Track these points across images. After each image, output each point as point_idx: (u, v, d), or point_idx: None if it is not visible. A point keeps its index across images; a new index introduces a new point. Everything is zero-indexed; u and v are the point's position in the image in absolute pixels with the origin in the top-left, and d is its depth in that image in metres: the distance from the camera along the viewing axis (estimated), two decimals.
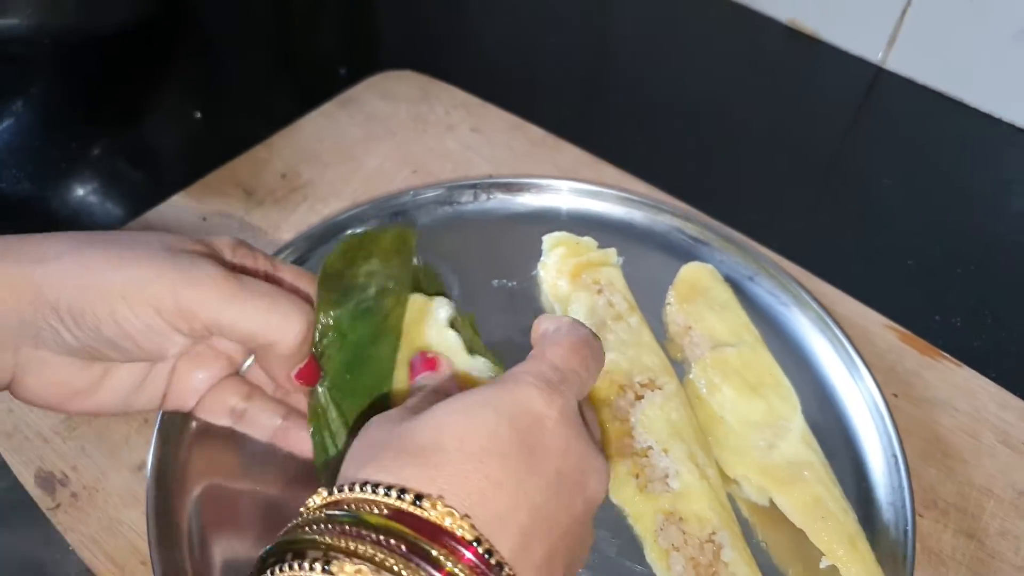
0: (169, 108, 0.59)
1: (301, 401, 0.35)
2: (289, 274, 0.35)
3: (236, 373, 0.35)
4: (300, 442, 0.34)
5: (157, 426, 0.36)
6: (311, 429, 0.34)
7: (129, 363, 0.31)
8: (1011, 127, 0.59)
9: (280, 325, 0.30)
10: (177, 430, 0.36)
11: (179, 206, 0.48)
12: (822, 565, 0.34)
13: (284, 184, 0.50)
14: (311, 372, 0.33)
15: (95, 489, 0.36)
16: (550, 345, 0.28)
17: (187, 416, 0.36)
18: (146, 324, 0.29)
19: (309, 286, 0.35)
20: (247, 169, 0.51)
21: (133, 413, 0.37)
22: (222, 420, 0.34)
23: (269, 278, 0.34)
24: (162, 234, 0.31)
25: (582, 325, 0.30)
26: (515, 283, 0.44)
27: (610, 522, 0.35)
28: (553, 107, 0.58)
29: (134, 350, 0.30)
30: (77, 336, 0.29)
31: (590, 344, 0.29)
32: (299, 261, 0.44)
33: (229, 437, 0.36)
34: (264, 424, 0.34)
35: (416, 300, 0.39)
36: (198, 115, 0.57)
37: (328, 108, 0.55)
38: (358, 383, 0.35)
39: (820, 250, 0.48)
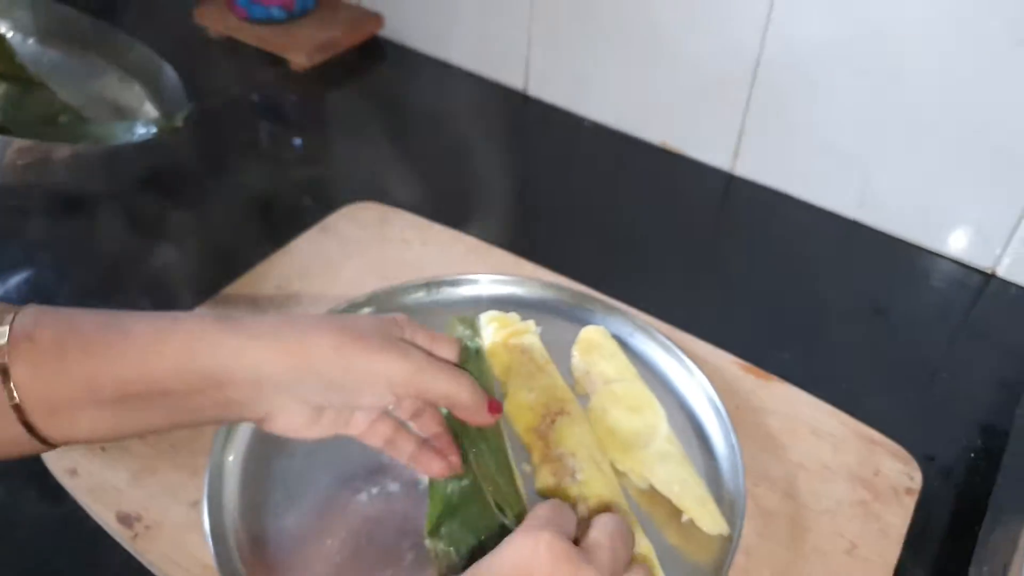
0: (173, 246, 0.75)
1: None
2: (439, 344, 0.48)
3: (387, 412, 0.48)
4: (430, 463, 0.48)
5: (208, 471, 0.50)
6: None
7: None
8: (827, 212, 0.78)
9: (459, 388, 0.44)
10: (218, 474, 0.51)
11: None
12: (683, 520, 0.49)
13: (279, 293, 0.66)
14: (496, 406, 0.46)
15: (162, 522, 0.50)
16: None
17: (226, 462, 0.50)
18: (382, 396, 0.43)
19: (452, 348, 0.48)
20: (250, 285, 0.66)
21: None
22: (377, 444, 0.47)
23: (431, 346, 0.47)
24: (375, 319, 0.45)
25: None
26: None
27: None
28: (484, 221, 0.75)
29: (358, 406, 0.45)
30: (328, 397, 0.43)
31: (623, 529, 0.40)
32: None
33: (259, 477, 0.50)
34: (405, 449, 0.48)
35: None
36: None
37: (311, 234, 0.71)
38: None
39: (687, 311, 0.65)
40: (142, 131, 0.74)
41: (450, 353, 0.48)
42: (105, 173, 0.71)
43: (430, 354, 0.45)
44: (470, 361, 0.50)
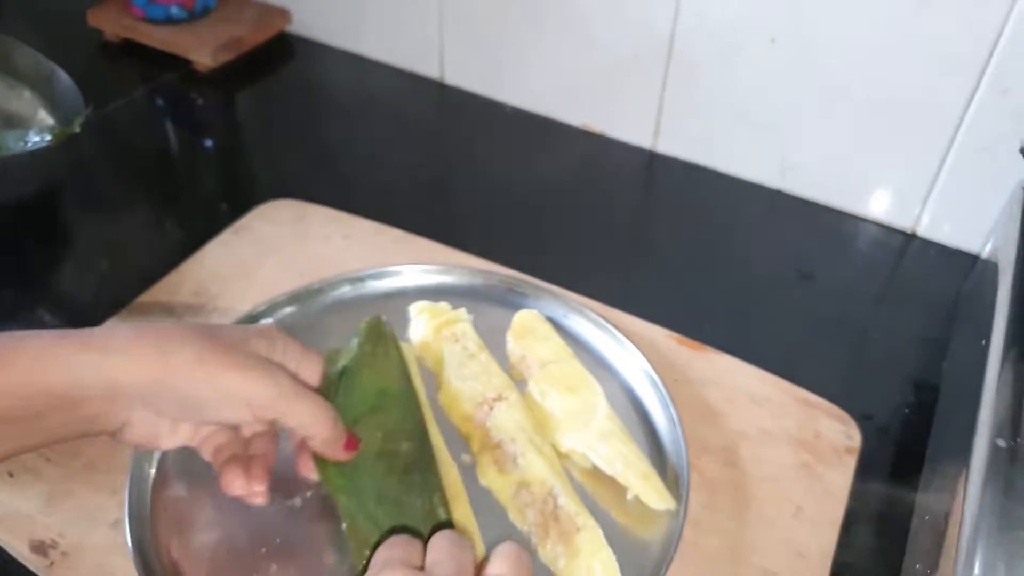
0: (80, 258, 0.71)
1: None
2: (306, 364, 0.45)
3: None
4: (232, 481, 0.43)
5: (127, 487, 0.47)
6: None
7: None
8: (750, 183, 0.79)
9: (318, 422, 0.42)
10: (141, 489, 0.48)
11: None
12: (628, 497, 0.48)
13: (196, 300, 0.63)
14: (352, 443, 0.44)
15: (81, 546, 0.47)
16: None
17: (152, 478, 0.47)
18: (240, 415, 0.41)
19: (316, 371, 0.45)
20: (164, 292, 0.63)
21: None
22: (207, 451, 0.44)
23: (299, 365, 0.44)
24: (244, 330, 0.43)
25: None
26: None
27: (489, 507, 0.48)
28: (408, 211, 0.73)
29: (215, 421, 0.43)
30: (185, 412, 0.41)
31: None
32: None
33: (185, 491, 0.48)
34: (220, 457, 0.44)
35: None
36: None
37: (224, 236, 0.68)
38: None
39: (618, 290, 0.64)
40: (35, 139, 0.69)
41: (313, 377, 0.45)
42: None
43: (296, 376, 0.43)
44: (333, 387, 0.47)
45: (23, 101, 0.77)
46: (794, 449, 0.53)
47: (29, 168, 0.68)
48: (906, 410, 0.58)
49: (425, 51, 0.90)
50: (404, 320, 0.59)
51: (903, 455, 0.55)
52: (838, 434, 0.54)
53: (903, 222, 0.74)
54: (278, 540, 0.46)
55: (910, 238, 0.74)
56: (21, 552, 0.46)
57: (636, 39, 0.77)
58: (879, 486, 0.53)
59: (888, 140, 0.70)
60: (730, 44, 0.73)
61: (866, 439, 0.54)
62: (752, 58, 0.72)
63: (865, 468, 0.53)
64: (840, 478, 0.51)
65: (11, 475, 0.50)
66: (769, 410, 0.55)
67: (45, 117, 0.76)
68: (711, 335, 0.61)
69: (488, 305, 0.61)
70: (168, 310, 0.62)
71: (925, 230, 0.73)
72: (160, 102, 0.88)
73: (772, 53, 0.71)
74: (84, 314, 0.61)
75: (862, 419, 0.56)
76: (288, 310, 0.60)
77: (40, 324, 0.63)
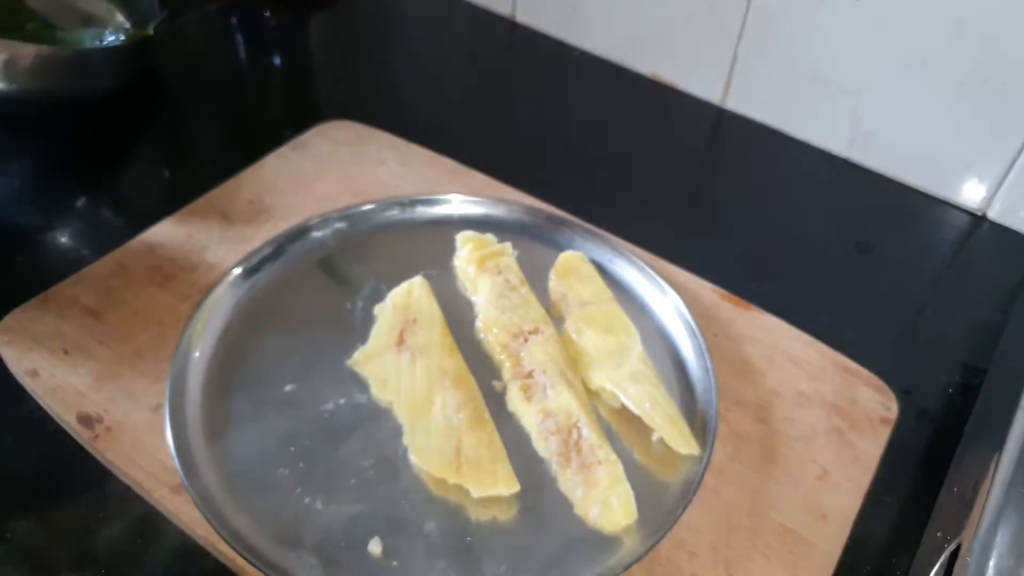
0: (143, 158, 0.73)
1: None
2: None
3: None
4: None
5: (170, 376, 0.49)
6: None
7: None
8: (818, 149, 0.76)
9: None
10: (182, 375, 0.49)
11: (168, 226, 0.61)
12: (653, 439, 0.48)
13: (251, 208, 0.64)
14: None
15: (124, 424, 0.49)
16: None
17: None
18: None
19: None
20: (221, 199, 0.64)
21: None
22: None
23: None
24: None
25: None
26: (437, 272, 0.58)
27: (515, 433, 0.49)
28: (467, 144, 0.73)
29: None
30: None
31: None
32: (270, 257, 0.57)
33: (224, 384, 0.49)
34: None
35: None
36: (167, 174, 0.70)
37: (283, 151, 0.69)
38: None
39: (669, 240, 0.63)
40: (111, 38, 0.71)
41: None
42: (72, 79, 0.68)
43: None
44: None
45: (101, 4, 0.78)
46: (827, 413, 0.52)
47: (103, 64, 0.70)
48: (950, 390, 0.57)
49: None
50: (451, 248, 0.59)
51: (940, 434, 0.53)
52: (875, 403, 0.53)
53: (974, 204, 0.71)
54: (307, 442, 0.48)
55: (979, 220, 0.71)
56: (69, 422, 0.49)
57: None
58: (911, 460, 0.51)
59: (970, 118, 0.67)
60: None
61: (904, 414, 0.53)
62: (835, 14, 0.69)
63: (898, 441, 0.51)
64: (871, 447, 0.50)
65: (66, 352, 0.52)
66: (807, 372, 0.55)
67: (122, 21, 0.78)
68: (757, 295, 0.60)
69: (533, 242, 0.61)
70: (223, 215, 0.63)
71: (996, 214, 0.71)
72: (233, 18, 0.89)
73: (857, 11, 0.68)
74: (142, 212, 0.63)
75: (902, 394, 0.54)
76: (338, 226, 0.61)
77: (100, 219, 0.65)
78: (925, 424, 0.54)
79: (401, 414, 0.49)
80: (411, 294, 0.56)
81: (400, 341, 0.53)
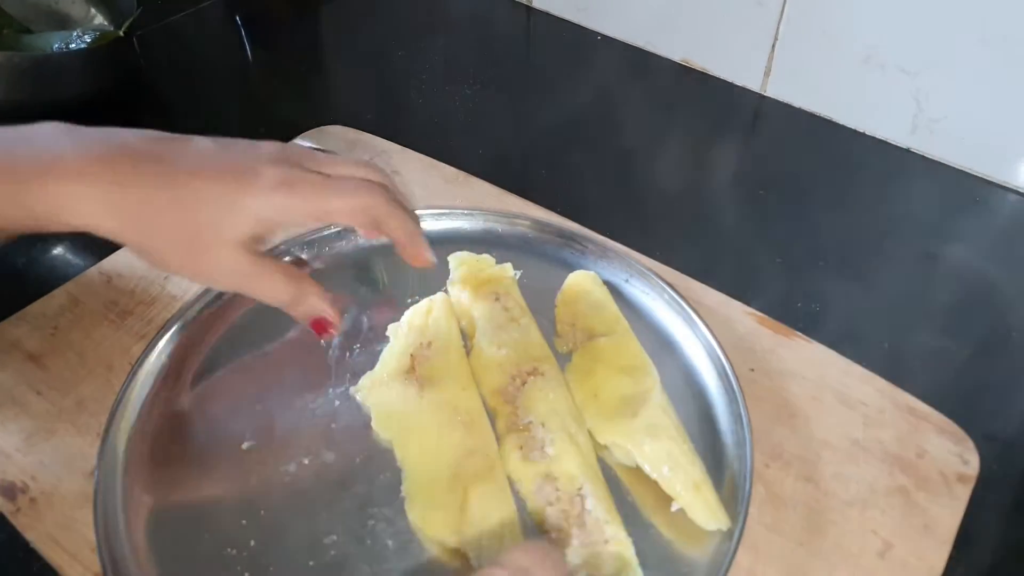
0: None
1: None
2: None
3: None
4: None
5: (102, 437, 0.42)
6: None
7: None
8: (871, 138, 0.66)
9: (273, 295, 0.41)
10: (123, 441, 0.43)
11: (129, 253, 0.55)
12: (673, 509, 0.40)
13: None
14: (319, 326, 0.43)
15: (51, 494, 0.42)
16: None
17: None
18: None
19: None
20: None
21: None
22: None
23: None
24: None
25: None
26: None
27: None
28: (467, 143, 0.65)
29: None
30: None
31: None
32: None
33: (166, 444, 0.43)
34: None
35: None
36: None
37: None
38: None
39: (699, 256, 0.55)
40: (78, 40, 0.65)
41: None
42: (37, 86, 0.62)
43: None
44: None
45: (80, 5, 0.73)
46: (889, 469, 0.43)
47: (72, 71, 0.64)
48: None
49: None
50: (444, 270, 0.52)
51: None
52: (950, 455, 0.44)
53: None
54: (262, 512, 0.41)
55: None
56: None
57: None
58: (996, 529, 0.42)
59: None
60: None
61: (986, 466, 0.43)
62: None
63: (981, 504, 0.42)
64: (947, 513, 0.41)
65: None
66: (863, 416, 0.45)
67: (102, 22, 0.72)
68: (803, 318, 0.51)
69: (539, 261, 0.53)
70: None
71: None
72: (228, 14, 0.82)
73: None
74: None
75: (984, 440, 0.45)
76: (313, 250, 0.54)
77: (54, 244, 0.59)
78: (1015, 481, 0.44)
79: (401, 457, 0.42)
80: (430, 313, 0.48)
81: (411, 368, 0.46)
